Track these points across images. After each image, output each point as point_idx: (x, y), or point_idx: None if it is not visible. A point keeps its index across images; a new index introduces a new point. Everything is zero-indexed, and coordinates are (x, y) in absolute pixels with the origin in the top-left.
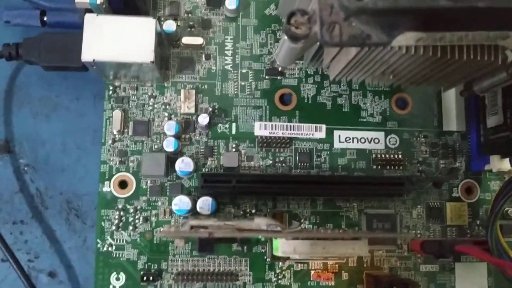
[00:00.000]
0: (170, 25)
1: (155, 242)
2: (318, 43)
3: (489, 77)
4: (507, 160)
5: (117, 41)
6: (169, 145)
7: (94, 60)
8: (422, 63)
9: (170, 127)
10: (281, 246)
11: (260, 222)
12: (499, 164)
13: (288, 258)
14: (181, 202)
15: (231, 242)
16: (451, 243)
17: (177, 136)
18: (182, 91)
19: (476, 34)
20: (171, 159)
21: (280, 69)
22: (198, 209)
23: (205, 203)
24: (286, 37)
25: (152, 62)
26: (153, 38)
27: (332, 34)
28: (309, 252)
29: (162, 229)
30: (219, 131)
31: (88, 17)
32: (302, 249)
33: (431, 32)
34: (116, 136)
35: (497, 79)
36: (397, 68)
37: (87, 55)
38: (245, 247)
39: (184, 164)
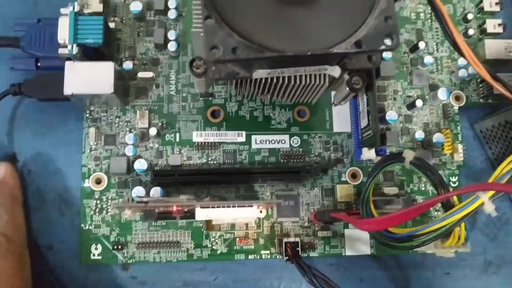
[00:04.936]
0: (128, 64)
1: (122, 221)
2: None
3: (338, 93)
4: (373, 150)
5: (88, 79)
6: (129, 151)
7: (72, 93)
8: (282, 87)
9: (129, 138)
10: (197, 213)
11: (183, 197)
12: (368, 154)
13: (219, 229)
14: (138, 191)
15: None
16: (329, 212)
17: (135, 144)
18: (137, 111)
19: (305, 68)
20: (131, 161)
21: (203, 93)
22: (151, 196)
23: (155, 191)
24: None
25: (113, 92)
26: (112, 76)
27: (214, 71)
28: (218, 216)
29: (117, 205)
30: (166, 139)
31: (67, 63)
32: (212, 215)
33: (274, 69)
34: (92, 146)
35: (341, 94)
36: (271, 91)
37: (67, 90)
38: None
39: (140, 164)
